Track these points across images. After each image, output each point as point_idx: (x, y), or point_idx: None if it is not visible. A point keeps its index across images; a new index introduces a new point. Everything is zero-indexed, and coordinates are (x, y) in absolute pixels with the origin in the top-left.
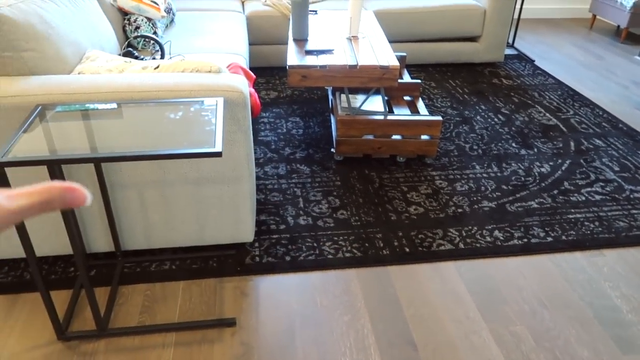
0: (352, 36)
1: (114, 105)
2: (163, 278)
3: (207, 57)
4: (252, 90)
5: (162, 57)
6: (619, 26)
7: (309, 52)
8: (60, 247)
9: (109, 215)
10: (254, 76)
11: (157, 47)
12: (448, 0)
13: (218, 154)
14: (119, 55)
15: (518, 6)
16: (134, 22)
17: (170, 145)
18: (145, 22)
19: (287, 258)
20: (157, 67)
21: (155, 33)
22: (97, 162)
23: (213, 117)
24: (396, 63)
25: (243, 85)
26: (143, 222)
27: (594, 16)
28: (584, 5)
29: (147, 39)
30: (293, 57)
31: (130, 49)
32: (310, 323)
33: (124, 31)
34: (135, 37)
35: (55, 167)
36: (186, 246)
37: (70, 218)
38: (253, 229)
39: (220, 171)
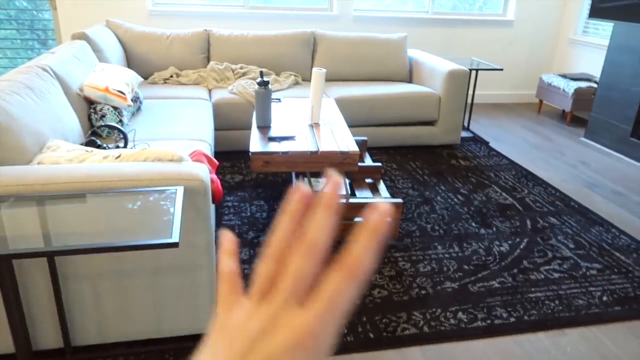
0: (314, 123)
1: (73, 195)
2: None
3: (172, 144)
4: (215, 176)
5: (126, 145)
6: (564, 110)
7: (271, 139)
8: (1, 345)
9: (59, 309)
10: (217, 162)
11: (122, 135)
12: (405, 88)
13: (174, 245)
14: (82, 144)
15: (471, 92)
16: (100, 110)
17: (127, 236)
18: (111, 111)
19: None
20: (119, 156)
21: (121, 121)
22: (50, 255)
23: (172, 207)
24: (356, 148)
25: (204, 173)
26: (96, 315)
27: (541, 101)
28: (531, 91)
29: (111, 128)
30: (256, 144)
31: (93, 137)
32: None
33: (90, 119)
34: (99, 127)
35: (2, 262)
36: (142, 339)
37: (14, 312)
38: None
39: (179, 260)
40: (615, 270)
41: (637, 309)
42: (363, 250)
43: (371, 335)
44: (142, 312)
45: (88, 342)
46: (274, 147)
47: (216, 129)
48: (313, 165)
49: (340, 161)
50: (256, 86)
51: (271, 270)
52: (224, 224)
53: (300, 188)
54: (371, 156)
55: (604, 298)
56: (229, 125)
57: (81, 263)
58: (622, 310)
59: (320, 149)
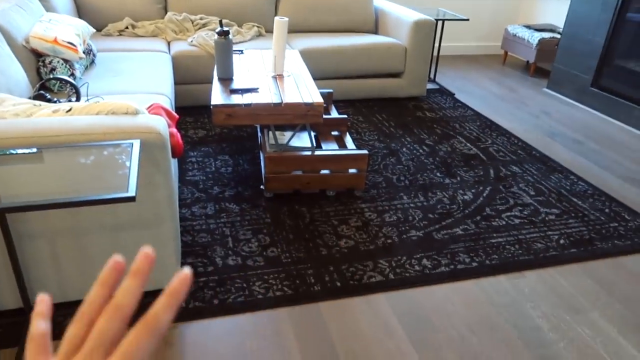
0: (277, 75)
1: (23, 151)
2: None
3: (128, 98)
4: (175, 130)
5: (78, 99)
6: (528, 61)
7: (233, 91)
8: None
9: (15, 268)
10: (177, 116)
11: (74, 89)
12: (371, 39)
13: (131, 199)
14: (30, 98)
15: (437, 44)
16: (49, 64)
17: (81, 192)
18: (62, 64)
19: (215, 301)
20: (70, 109)
21: (72, 75)
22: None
23: (128, 161)
24: (320, 100)
25: (161, 126)
26: (56, 273)
27: (506, 52)
28: (496, 43)
29: (61, 81)
30: (217, 96)
31: (42, 91)
32: None
33: (39, 73)
34: (48, 80)
35: None
36: None
37: None
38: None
39: (139, 215)
40: (573, 214)
41: (592, 250)
42: (162, 309)
43: (338, 284)
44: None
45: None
46: (236, 99)
47: (176, 83)
48: (277, 117)
49: (304, 113)
50: (217, 37)
51: (79, 334)
52: (188, 179)
53: (114, 259)
54: (337, 109)
55: (561, 241)
56: (190, 79)
57: (35, 221)
58: (578, 252)
59: (284, 101)
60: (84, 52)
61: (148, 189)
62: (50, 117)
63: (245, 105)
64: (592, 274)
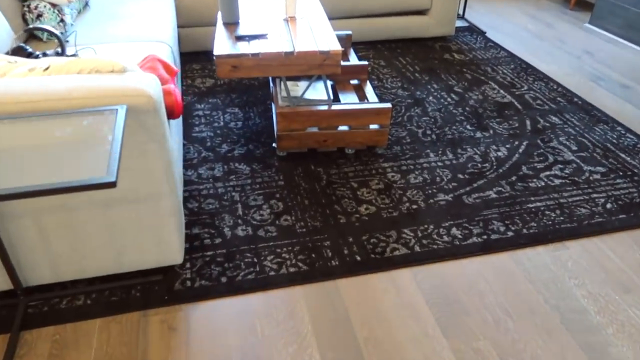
0: (289, 17)
1: None
2: (76, 317)
3: (123, 48)
4: (172, 87)
5: (63, 52)
6: None
7: (239, 38)
8: None
9: (0, 249)
10: (176, 69)
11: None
12: None
13: (111, 184)
14: (7, 52)
15: None
16: (35, 9)
17: (54, 174)
18: (49, 9)
19: (223, 279)
20: (47, 67)
21: (62, 21)
22: None
23: (110, 134)
24: (338, 47)
25: (152, 86)
26: (46, 253)
27: None
28: None
29: (40, 30)
30: (221, 45)
31: (22, 44)
32: (250, 358)
33: (25, 20)
34: (26, 30)
35: None
36: (104, 275)
37: None
38: (182, 249)
39: (133, 189)
40: (620, 173)
41: None
42: None
43: (358, 258)
44: (98, 248)
45: (42, 282)
46: (242, 48)
47: (180, 26)
48: (289, 68)
49: (320, 63)
50: None
51: None
52: (194, 136)
53: None
54: (356, 53)
55: (608, 205)
56: (195, 21)
57: (15, 201)
58: (627, 218)
59: (297, 50)
60: None
61: (140, 159)
62: (25, 77)
63: (253, 55)
64: None
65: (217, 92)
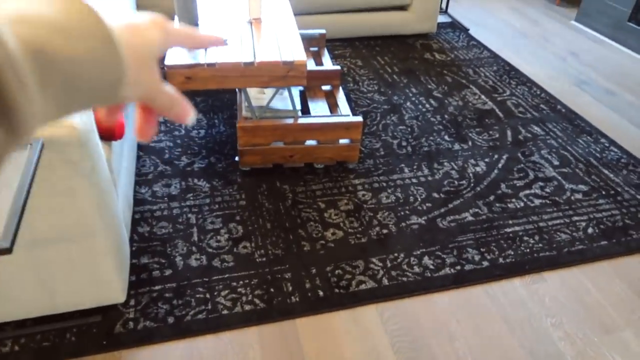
0: (253, 19)
1: None
2: None
3: None
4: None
5: None
6: None
7: None
8: None
9: None
10: None
11: None
12: None
13: (5, 251)
14: None
15: None
16: None
17: None
18: None
19: (170, 319)
20: None
21: None
22: None
23: (17, 177)
24: (303, 57)
25: (79, 114)
26: None
27: None
28: None
29: None
30: (174, 53)
31: None
32: None
33: None
34: None
35: None
36: (35, 317)
37: None
38: (124, 286)
39: (59, 227)
40: (603, 192)
41: (625, 242)
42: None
43: (320, 293)
44: (26, 289)
45: None
46: (197, 57)
47: None
48: (249, 79)
49: (283, 74)
50: None
51: None
52: (152, 146)
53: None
54: (332, 52)
55: (589, 230)
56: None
57: None
58: (609, 245)
59: (257, 60)
60: None
61: (66, 197)
62: None
63: (209, 65)
64: (626, 276)
65: (181, 94)
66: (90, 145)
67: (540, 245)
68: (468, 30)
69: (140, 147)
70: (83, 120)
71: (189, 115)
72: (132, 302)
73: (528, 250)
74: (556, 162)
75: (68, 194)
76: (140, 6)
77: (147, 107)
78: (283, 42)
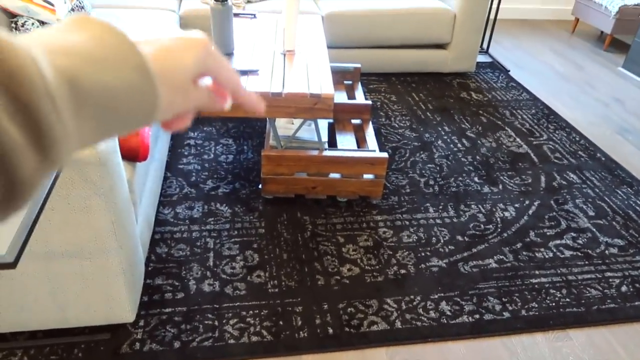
0: (287, 51)
1: None
2: None
3: None
4: None
5: None
6: (602, 32)
7: None
8: None
9: None
10: None
11: None
12: (413, 2)
13: (9, 265)
14: None
15: (494, 5)
16: (22, 26)
17: None
18: (37, 27)
19: (177, 344)
20: None
21: None
22: None
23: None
24: (330, 90)
25: None
26: None
27: (577, 19)
28: (567, 7)
29: None
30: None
31: None
32: None
33: None
34: None
35: None
36: (46, 329)
37: None
38: (134, 306)
39: (75, 244)
40: None
41: None
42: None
43: (330, 330)
44: (38, 301)
45: None
46: None
47: None
48: (276, 110)
49: (310, 106)
50: (213, 1)
51: None
52: (180, 167)
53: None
54: (365, 86)
55: (623, 288)
56: None
57: None
58: None
59: (285, 91)
60: (71, 10)
61: (83, 214)
62: None
63: None
64: None
65: (213, 119)
66: (110, 165)
67: (568, 300)
68: (508, 71)
69: (168, 168)
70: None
71: (224, 103)
72: (142, 323)
73: (554, 304)
74: (591, 213)
75: (84, 212)
76: (186, 27)
77: None
78: (313, 74)
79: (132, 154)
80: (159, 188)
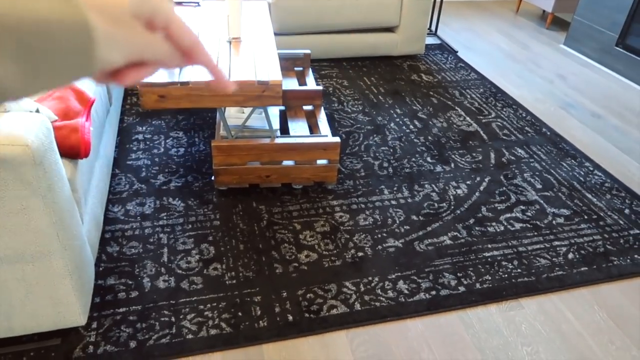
0: (233, 38)
1: None
2: None
3: None
4: (81, 122)
5: None
6: (544, 11)
7: None
8: None
9: None
10: (92, 98)
11: None
12: None
13: None
14: None
15: None
16: None
17: None
18: None
19: (132, 343)
20: None
21: None
22: None
23: None
24: (278, 77)
25: (35, 132)
26: None
27: None
28: None
29: None
30: None
31: None
32: None
33: None
34: None
35: None
36: None
37: None
38: (85, 309)
39: (13, 248)
40: (585, 216)
41: (606, 269)
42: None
43: (290, 318)
44: None
45: None
46: (171, 75)
47: None
48: (223, 99)
49: (258, 94)
50: None
51: None
52: (129, 164)
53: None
54: (315, 73)
55: (570, 255)
56: None
57: None
58: (589, 271)
59: (232, 79)
60: None
61: (20, 216)
62: None
63: (182, 83)
64: (606, 304)
65: (162, 112)
66: (46, 164)
67: (519, 270)
68: (456, 52)
69: (116, 164)
70: (39, 139)
71: (225, 81)
72: (94, 325)
73: (506, 275)
74: (539, 186)
75: (22, 214)
76: None
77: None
78: (260, 61)
79: (73, 152)
80: (107, 185)
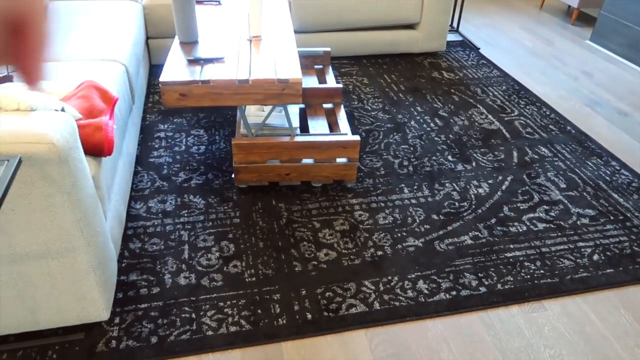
0: (253, 37)
1: None
2: None
3: (66, 68)
4: (105, 120)
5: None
6: (569, 6)
7: (194, 61)
8: None
9: None
10: (116, 97)
11: None
12: None
13: None
14: None
15: None
16: None
17: None
18: None
19: (154, 339)
20: None
21: None
22: None
23: None
24: (298, 75)
25: (60, 130)
26: None
27: None
28: None
29: None
30: (169, 69)
31: None
32: None
33: None
34: None
35: None
36: (17, 333)
37: None
38: (108, 304)
39: (39, 244)
40: (611, 217)
41: (632, 271)
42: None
43: (308, 316)
44: (6, 306)
45: None
46: (192, 74)
47: (151, 37)
48: (244, 97)
49: (278, 92)
50: None
51: None
52: (151, 161)
53: None
54: (335, 71)
55: (595, 257)
56: (166, 32)
57: None
58: (614, 273)
59: (252, 77)
60: None
61: (46, 213)
62: None
63: (203, 82)
64: (632, 306)
65: (184, 110)
66: (71, 162)
67: (542, 271)
68: (478, 49)
69: (138, 162)
70: (64, 137)
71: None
72: (117, 320)
73: (528, 276)
74: (563, 185)
75: (48, 211)
76: (150, 17)
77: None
78: (280, 59)
79: (97, 149)
80: (129, 183)
